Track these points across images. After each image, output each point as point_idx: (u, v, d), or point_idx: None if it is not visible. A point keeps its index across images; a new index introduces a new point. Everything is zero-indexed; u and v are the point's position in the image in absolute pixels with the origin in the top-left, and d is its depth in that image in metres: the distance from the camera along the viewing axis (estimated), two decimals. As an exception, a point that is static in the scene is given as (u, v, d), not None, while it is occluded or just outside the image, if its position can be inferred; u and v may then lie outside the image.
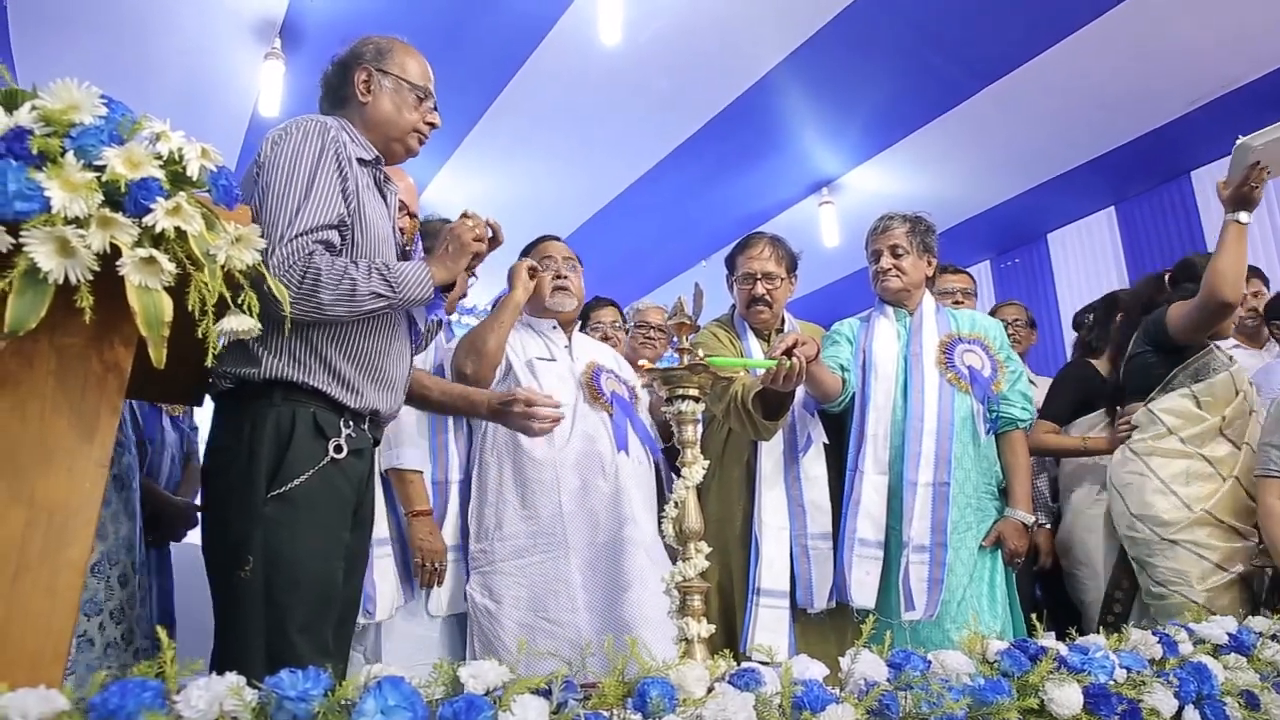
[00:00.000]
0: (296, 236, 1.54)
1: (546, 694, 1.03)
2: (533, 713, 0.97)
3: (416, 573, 2.33)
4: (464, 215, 1.76)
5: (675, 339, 1.87)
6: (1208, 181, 5.41)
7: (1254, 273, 3.26)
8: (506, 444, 2.38)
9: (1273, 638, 2.04)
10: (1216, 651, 1.89)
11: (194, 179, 1.18)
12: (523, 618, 2.21)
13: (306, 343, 1.59)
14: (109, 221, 1.07)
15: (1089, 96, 4.66)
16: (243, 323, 1.21)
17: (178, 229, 1.12)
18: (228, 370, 1.57)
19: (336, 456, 1.58)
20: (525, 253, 2.65)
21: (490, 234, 1.78)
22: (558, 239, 2.71)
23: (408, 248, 1.85)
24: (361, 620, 2.16)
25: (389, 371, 1.72)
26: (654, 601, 2.13)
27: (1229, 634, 1.95)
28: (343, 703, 0.94)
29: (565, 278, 2.57)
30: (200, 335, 1.17)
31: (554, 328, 2.59)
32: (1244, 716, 1.73)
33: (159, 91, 4.25)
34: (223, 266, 1.19)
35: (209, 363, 1.19)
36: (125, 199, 1.10)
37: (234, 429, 1.56)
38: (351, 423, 1.64)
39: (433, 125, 1.88)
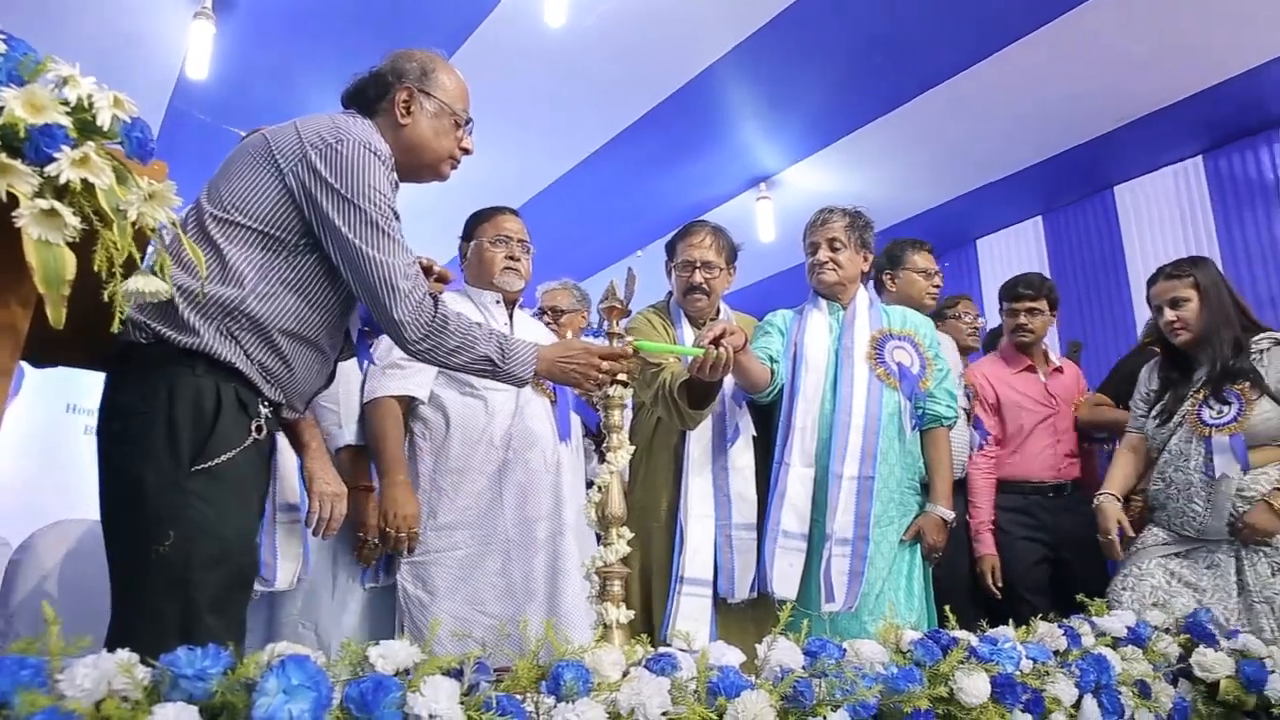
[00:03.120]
0: (411, 264, 1.60)
1: (458, 675, 1.01)
2: (443, 694, 0.95)
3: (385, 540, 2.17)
4: (627, 353, 1.79)
5: (606, 323, 1.86)
6: (1128, 196, 5.65)
7: None
8: (442, 429, 2.28)
9: (1165, 631, 2.14)
10: (1116, 644, 1.98)
11: (105, 129, 1.11)
12: (458, 610, 2.13)
13: (240, 326, 1.53)
14: (6, 168, 1.00)
15: (1025, 106, 4.78)
16: (150, 284, 1.15)
17: (85, 181, 1.06)
18: (148, 323, 1.48)
19: (258, 436, 1.54)
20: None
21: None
22: (514, 213, 2.54)
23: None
24: (259, 588, 2.01)
25: (303, 381, 1.68)
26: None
27: (1128, 627, 2.04)
28: (243, 682, 0.90)
29: (517, 259, 2.44)
30: (107, 298, 1.10)
31: (496, 302, 2.46)
32: (1136, 705, 1.81)
33: (73, 45, 4.02)
34: (134, 224, 1.13)
35: (115, 327, 1.12)
36: (25, 145, 1.03)
37: (146, 392, 1.47)
38: (269, 404, 1.60)
39: (466, 151, 1.83)
